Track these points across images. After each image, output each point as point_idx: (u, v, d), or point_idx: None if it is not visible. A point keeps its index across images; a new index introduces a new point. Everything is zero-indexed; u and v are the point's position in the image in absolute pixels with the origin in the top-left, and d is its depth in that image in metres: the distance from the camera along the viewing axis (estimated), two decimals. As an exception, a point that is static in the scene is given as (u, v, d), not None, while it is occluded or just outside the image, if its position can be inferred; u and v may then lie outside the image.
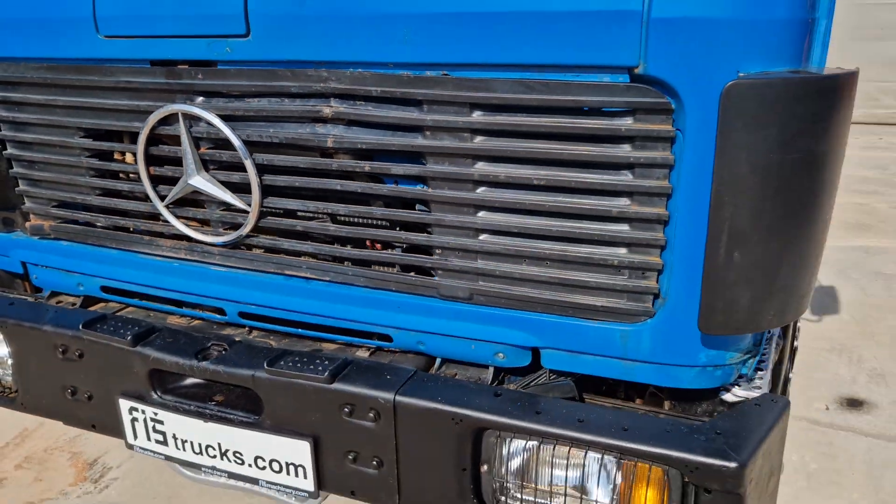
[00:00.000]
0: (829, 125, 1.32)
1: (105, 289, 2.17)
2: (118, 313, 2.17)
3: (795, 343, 2.83)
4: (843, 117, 1.35)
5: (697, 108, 1.33)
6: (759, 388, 1.74)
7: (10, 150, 2.11)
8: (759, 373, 1.81)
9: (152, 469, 3.32)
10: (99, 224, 2.10)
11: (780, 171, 1.30)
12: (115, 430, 2.04)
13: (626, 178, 1.46)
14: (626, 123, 1.41)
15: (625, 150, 1.43)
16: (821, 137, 1.31)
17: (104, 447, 3.50)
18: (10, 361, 2.17)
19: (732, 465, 1.43)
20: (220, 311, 2.03)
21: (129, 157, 1.99)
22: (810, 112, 1.28)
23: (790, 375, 2.71)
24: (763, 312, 1.44)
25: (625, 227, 1.50)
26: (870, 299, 5.01)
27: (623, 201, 1.48)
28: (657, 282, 1.54)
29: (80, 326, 1.97)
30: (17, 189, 2.17)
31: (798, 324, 2.90)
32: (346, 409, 1.72)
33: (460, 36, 1.43)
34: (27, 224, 2.20)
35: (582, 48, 1.35)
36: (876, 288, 5.19)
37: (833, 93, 1.31)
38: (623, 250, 1.53)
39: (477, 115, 1.50)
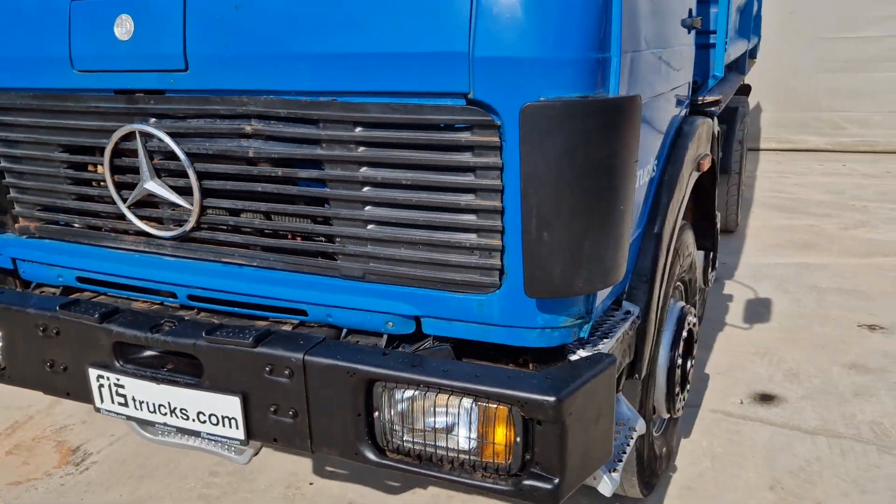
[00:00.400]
0: (608, 136, 1.75)
1: (80, 279, 2.59)
2: (91, 299, 2.60)
3: (685, 333, 3.19)
4: (624, 130, 1.78)
5: (511, 124, 1.77)
6: (600, 351, 2.16)
7: (2, 164, 2.55)
8: (605, 340, 2.23)
9: (128, 454, 3.69)
10: (75, 224, 2.53)
11: (568, 170, 1.73)
12: (85, 396, 2.42)
13: (470, 178, 1.89)
14: (466, 136, 1.84)
15: (467, 157, 1.87)
16: (600, 145, 1.74)
17: (87, 436, 3.87)
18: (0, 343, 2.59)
19: (551, 398, 1.82)
20: (173, 296, 2.45)
21: (99, 169, 2.43)
22: (588, 126, 1.71)
23: (679, 361, 3.03)
24: (573, 280, 1.85)
25: (473, 217, 1.93)
26: (801, 310, 5.38)
27: (470, 196, 1.91)
28: (501, 260, 1.96)
29: (57, 308, 2.38)
30: (8, 196, 2.60)
31: (690, 317, 3.27)
32: (267, 369, 2.11)
33: (340, 71, 1.88)
34: (16, 226, 2.64)
35: (426, 79, 1.80)
36: (809, 300, 5.57)
37: (607, 112, 1.74)
38: (473, 236, 1.95)
39: (359, 131, 1.94)
